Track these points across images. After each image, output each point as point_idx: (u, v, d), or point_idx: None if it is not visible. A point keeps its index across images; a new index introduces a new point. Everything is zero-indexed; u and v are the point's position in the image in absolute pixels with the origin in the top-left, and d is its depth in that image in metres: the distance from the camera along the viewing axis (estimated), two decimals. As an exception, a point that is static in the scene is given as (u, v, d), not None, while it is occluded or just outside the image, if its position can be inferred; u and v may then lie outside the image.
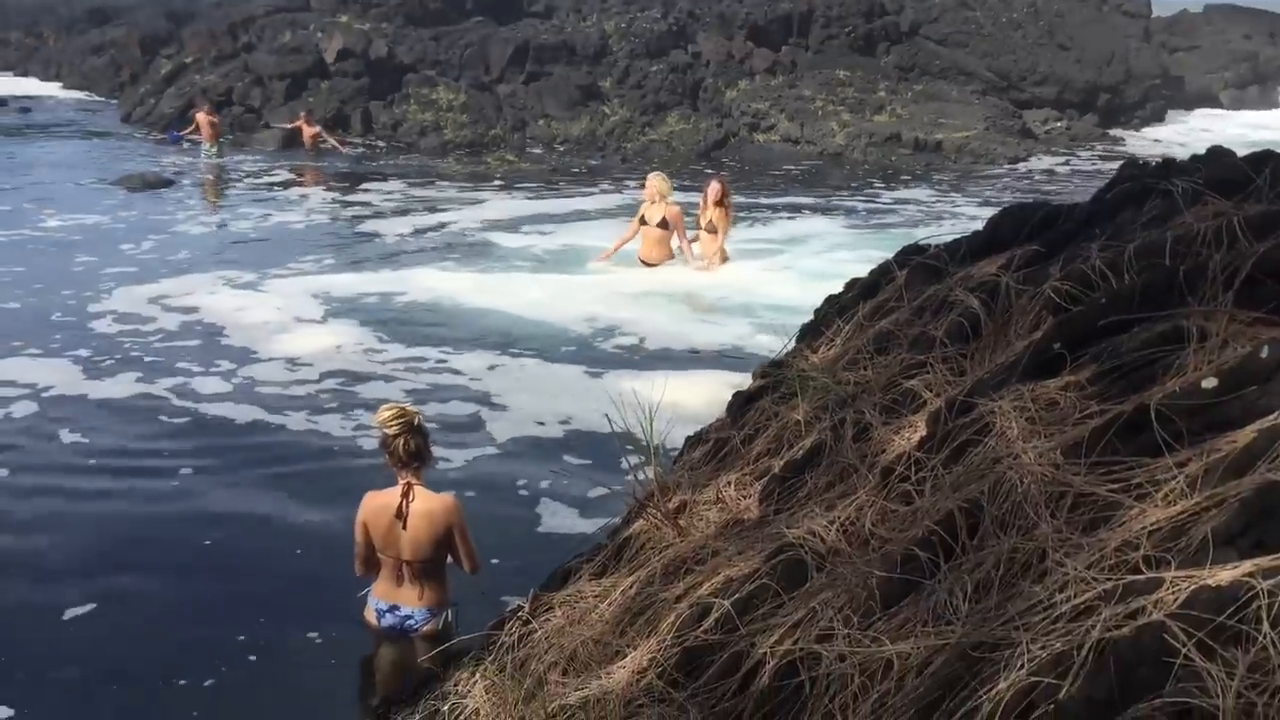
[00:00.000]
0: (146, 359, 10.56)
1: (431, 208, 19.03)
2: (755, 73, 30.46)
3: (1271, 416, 2.37)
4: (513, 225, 17.49)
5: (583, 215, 18.67)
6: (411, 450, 5.10)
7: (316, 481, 7.92)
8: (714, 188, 13.69)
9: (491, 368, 10.44)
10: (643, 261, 13.81)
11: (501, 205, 19.37)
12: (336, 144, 25.80)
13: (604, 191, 21.40)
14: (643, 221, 13.79)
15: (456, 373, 10.29)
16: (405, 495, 5.11)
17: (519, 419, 9.14)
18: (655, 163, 24.28)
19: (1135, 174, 4.42)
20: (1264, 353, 2.51)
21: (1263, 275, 2.88)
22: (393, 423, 5.08)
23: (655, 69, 29.56)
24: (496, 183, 22.02)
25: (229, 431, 8.88)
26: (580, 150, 27.05)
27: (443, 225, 17.52)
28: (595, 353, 11.04)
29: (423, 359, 10.69)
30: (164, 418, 9.11)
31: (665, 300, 12.71)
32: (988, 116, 29.03)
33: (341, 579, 5.59)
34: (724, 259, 13.74)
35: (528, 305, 12.48)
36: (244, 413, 9.23)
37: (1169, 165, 4.31)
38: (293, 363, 10.45)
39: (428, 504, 5.12)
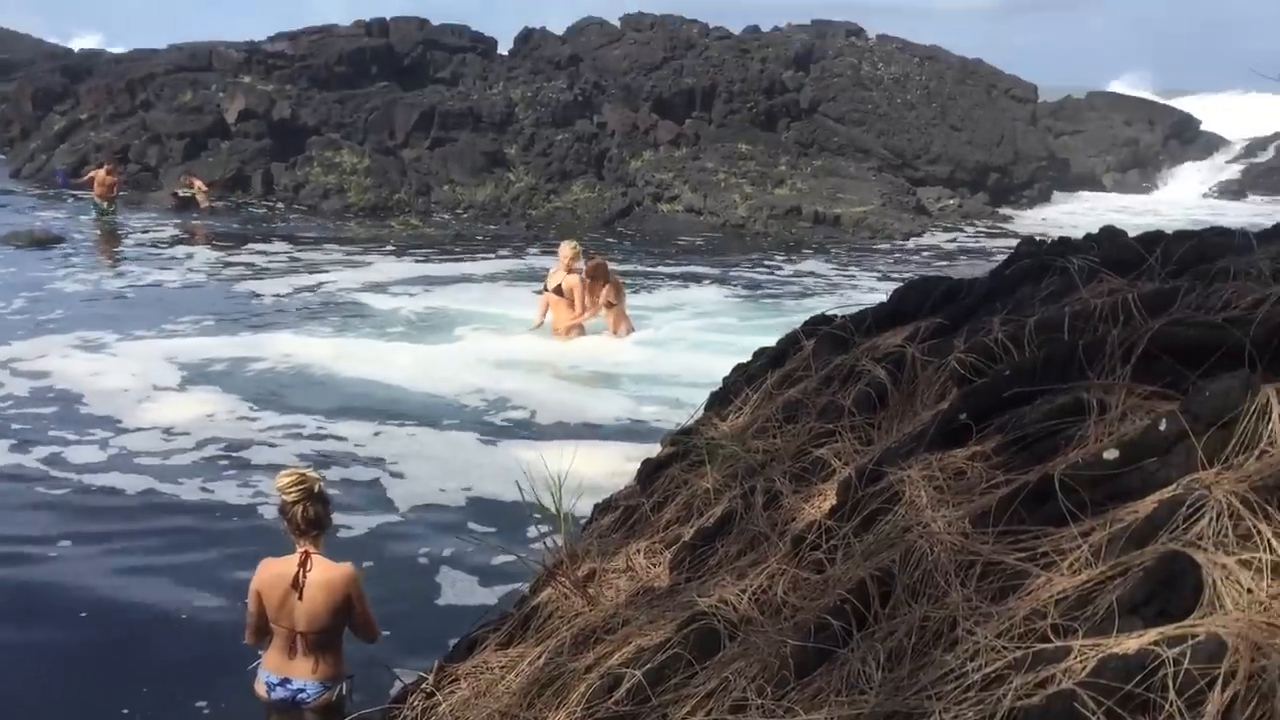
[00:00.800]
0: (13, 426, 10.12)
1: (315, 270, 18.84)
2: (659, 144, 30.93)
3: (1171, 487, 2.44)
4: (395, 289, 17.37)
5: (470, 279, 18.68)
6: (310, 518, 4.95)
7: (208, 549, 7.68)
8: (590, 265, 13.82)
9: (377, 434, 10.24)
10: (555, 329, 13.84)
11: (389, 269, 19.27)
12: (201, 191, 25.30)
13: (501, 257, 21.45)
14: (558, 291, 13.82)
15: (342, 440, 10.08)
16: (302, 564, 4.96)
17: (419, 487, 9.00)
18: (555, 230, 24.42)
19: (1033, 251, 4.56)
20: (1162, 425, 2.58)
21: (1158, 351, 2.98)
22: (292, 489, 4.94)
23: (561, 137, 29.83)
24: (390, 247, 21.91)
25: (115, 502, 8.55)
26: (485, 216, 27.08)
27: (322, 287, 17.35)
28: (490, 421, 10.92)
29: (300, 426, 10.42)
30: (42, 490, 8.74)
31: (565, 369, 12.70)
32: (884, 193, 29.83)
33: (232, 649, 5.39)
34: (629, 329, 13.82)
35: (403, 372, 12.29)
36: (130, 483, 8.90)
37: (1065, 243, 4.47)
38: (167, 431, 10.09)
39: (326, 573, 4.98)
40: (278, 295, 16.57)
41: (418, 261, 20.37)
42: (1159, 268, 3.68)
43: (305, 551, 4.97)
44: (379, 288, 17.37)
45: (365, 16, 33.91)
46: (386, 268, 19.34)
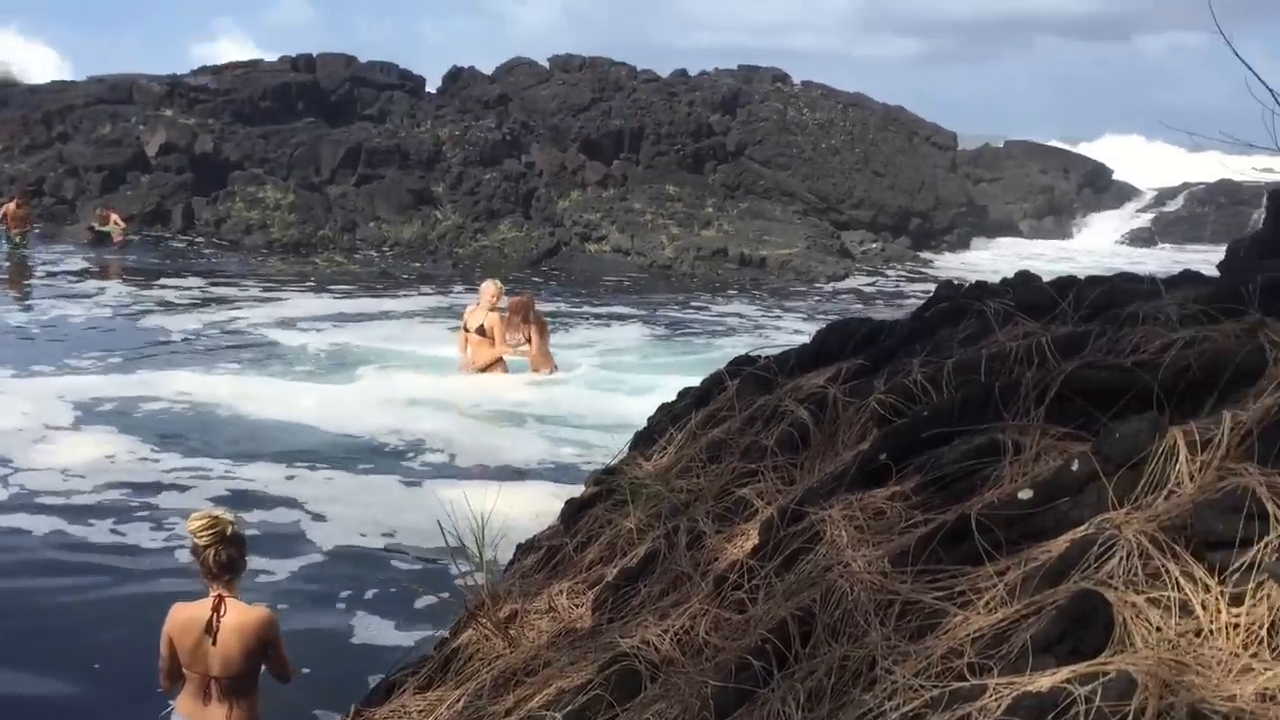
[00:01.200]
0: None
1: (228, 306, 18.56)
2: (588, 184, 31.07)
3: (1083, 527, 2.49)
4: (310, 326, 17.13)
5: (390, 317, 18.53)
6: (223, 561, 4.83)
7: (120, 591, 7.46)
8: (515, 302, 13.82)
9: (290, 477, 9.97)
10: (475, 368, 13.73)
11: (306, 305, 19.02)
12: (117, 226, 24.79)
13: (424, 295, 21.35)
14: (480, 331, 13.73)
15: (252, 481, 9.81)
16: (216, 609, 4.83)
17: (339, 529, 8.83)
18: (480, 269, 24.37)
19: (951, 294, 4.65)
20: (1074, 466, 2.64)
21: (1071, 393, 3.04)
22: (203, 532, 4.81)
23: (489, 176, 29.82)
24: (310, 283, 21.67)
25: (22, 543, 8.28)
26: (411, 254, 26.93)
27: (233, 324, 17.07)
28: (409, 462, 10.72)
29: (207, 468, 10.10)
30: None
31: (486, 408, 12.56)
32: (809, 236, 30.25)
33: (145, 695, 5.23)
34: (550, 366, 13.78)
35: (315, 412, 12.02)
36: (36, 523, 8.60)
37: (982, 287, 4.56)
38: (65, 472, 9.69)
39: (240, 617, 4.85)
40: (186, 331, 16.24)
41: (337, 298, 20.15)
42: (1072, 312, 3.78)
43: (219, 595, 4.85)
44: (293, 324, 17.10)
45: (293, 52, 33.70)
46: (303, 304, 19.08)
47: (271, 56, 33.92)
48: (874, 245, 32.40)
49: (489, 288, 13.80)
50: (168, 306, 18.22)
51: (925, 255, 33.14)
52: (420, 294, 21.39)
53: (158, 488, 9.51)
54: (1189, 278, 4.06)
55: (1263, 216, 5.46)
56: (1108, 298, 3.78)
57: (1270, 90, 4.95)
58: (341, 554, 8.38)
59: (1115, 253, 36.87)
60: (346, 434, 11.40)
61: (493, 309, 13.63)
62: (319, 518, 9.04)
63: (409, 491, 9.74)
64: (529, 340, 13.73)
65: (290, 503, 9.32)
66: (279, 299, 19.45)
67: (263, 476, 9.92)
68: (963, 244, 35.95)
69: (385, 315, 18.56)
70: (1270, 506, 2.19)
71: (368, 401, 12.53)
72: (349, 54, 34.03)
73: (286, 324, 17.04)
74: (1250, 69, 4.93)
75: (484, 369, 13.60)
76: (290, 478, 9.97)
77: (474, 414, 12.36)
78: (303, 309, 18.46)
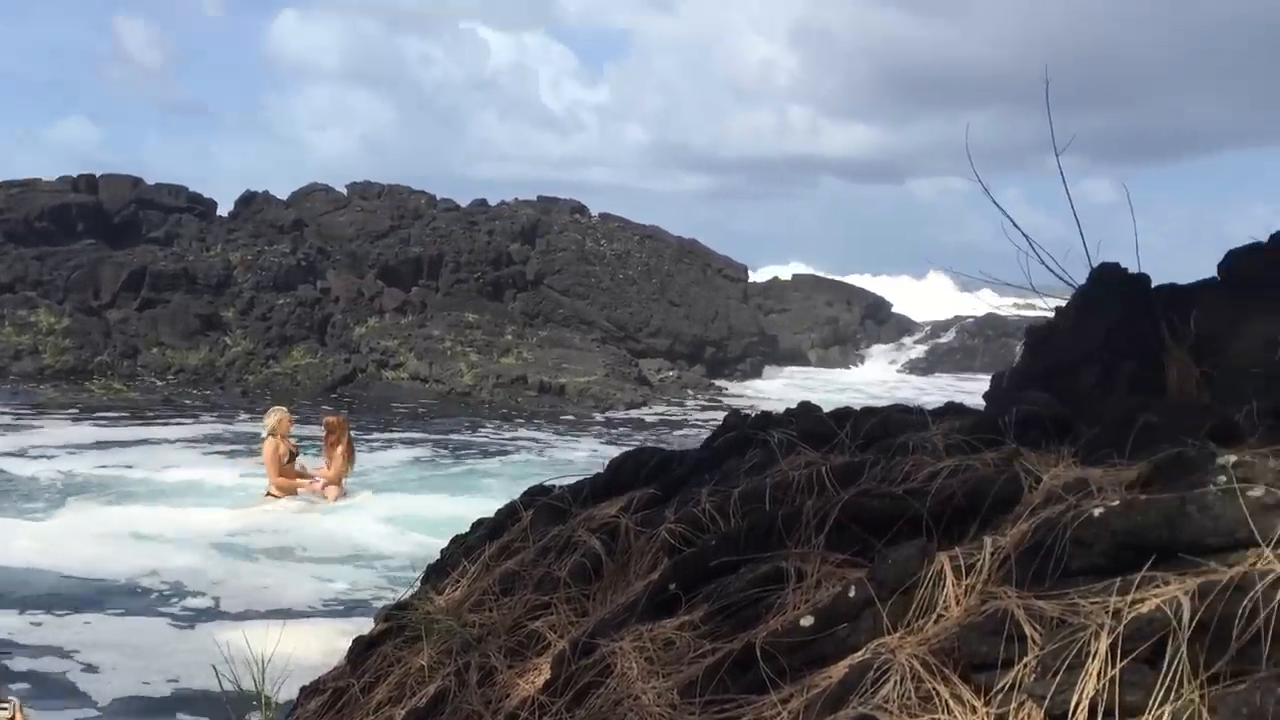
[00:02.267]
0: None
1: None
2: (385, 311, 30.77)
3: (860, 652, 2.57)
4: (56, 454, 16.11)
5: (158, 444, 17.75)
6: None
7: None
8: (325, 422, 13.67)
9: (37, 625, 9.14)
10: (264, 496, 13.28)
11: (60, 433, 17.96)
12: None
13: (202, 422, 20.54)
14: (273, 458, 13.33)
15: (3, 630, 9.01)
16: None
17: (115, 679, 8.19)
18: (271, 397, 23.63)
19: (738, 424, 4.80)
20: (851, 593, 2.73)
21: (848, 520, 3.17)
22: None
23: (282, 302, 29.17)
24: (73, 411, 20.48)
25: None
26: (197, 381, 25.90)
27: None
28: (183, 601, 10.04)
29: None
30: None
31: (269, 540, 12.01)
32: (607, 363, 30.70)
33: None
34: (338, 495, 13.41)
35: (70, 550, 11.10)
36: None
37: (767, 417, 4.72)
38: None
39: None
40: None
41: (101, 426, 19.05)
42: (849, 441, 3.95)
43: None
44: (36, 453, 15.98)
45: (75, 173, 32.39)
46: (59, 432, 17.94)
47: (51, 175, 32.53)
48: (671, 373, 33.13)
49: (271, 416, 13.47)
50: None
51: (720, 383, 34.08)
52: (199, 422, 20.55)
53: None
54: (954, 409, 4.32)
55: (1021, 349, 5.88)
56: (882, 427, 3.98)
57: (1025, 235, 5.39)
58: (123, 705, 7.76)
59: (895, 381, 38.86)
60: (109, 574, 10.57)
61: (277, 436, 13.26)
62: (94, 669, 8.36)
63: (185, 634, 9.16)
64: (331, 463, 13.41)
65: (57, 651, 8.61)
66: (31, 427, 18.20)
67: (11, 625, 9.10)
68: (755, 372, 37.17)
69: (152, 443, 17.67)
70: (1027, 629, 2.32)
71: (138, 536, 11.75)
72: (135, 175, 33.04)
73: (24, 453, 15.87)
74: (1006, 215, 5.36)
75: (270, 498, 13.16)
76: (37, 625, 9.15)
77: (256, 546, 11.80)
78: (56, 438, 17.31)
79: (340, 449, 13.53)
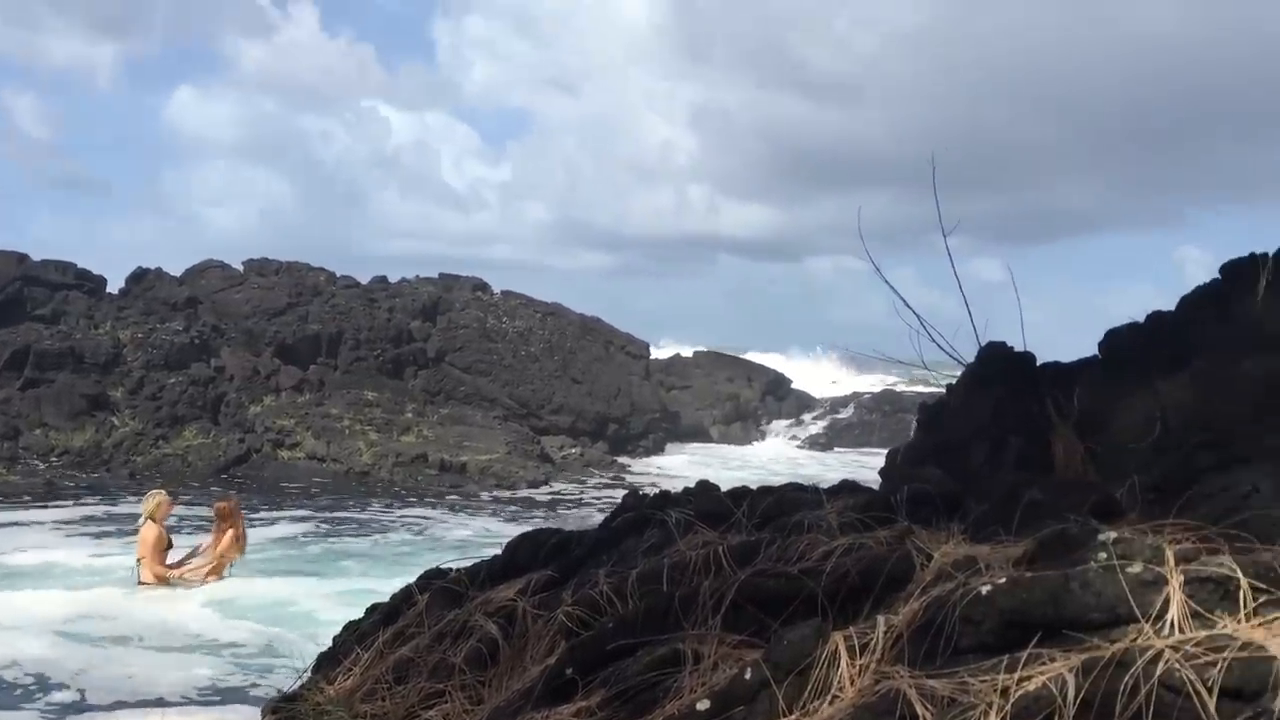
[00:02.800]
0: None
1: None
2: (282, 390, 30.18)
3: (757, 735, 2.56)
4: None
5: (19, 526, 16.96)
6: None
7: None
8: (216, 507, 13.34)
9: None
10: (142, 582, 12.82)
11: None
12: None
13: (82, 504, 19.81)
14: (153, 543, 12.89)
15: None
16: None
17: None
18: (160, 478, 22.93)
19: (637, 504, 4.79)
20: (747, 675, 2.72)
21: (744, 600, 3.17)
22: None
23: (174, 381, 28.42)
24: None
25: None
26: (83, 463, 25.00)
27: None
28: (49, 696, 9.35)
29: None
30: None
31: (147, 628, 11.42)
32: (509, 441, 30.44)
33: None
34: (217, 577, 13.03)
35: None
36: None
37: (665, 497, 4.73)
38: None
39: None
40: None
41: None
42: (746, 520, 3.97)
43: None
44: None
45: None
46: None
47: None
48: (573, 450, 32.97)
49: (150, 500, 13.14)
50: None
51: (622, 460, 34.00)
52: (79, 504, 19.78)
53: None
54: (848, 486, 4.38)
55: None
56: (778, 506, 4.01)
57: (916, 314, 5.52)
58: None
59: (795, 457, 39.23)
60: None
61: (153, 520, 12.89)
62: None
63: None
64: (216, 548, 13.05)
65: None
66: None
67: None
68: (658, 448, 37.19)
69: (22, 525, 16.87)
70: (919, 708, 2.33)
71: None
72: (20, 252, 32.11)
73: None
74: (899, 295, 5.48)
75: (148, 582, 12.76)
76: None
77: (120, 632, 11.24)
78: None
79: (230, 535, 13.15)
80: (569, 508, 24.61)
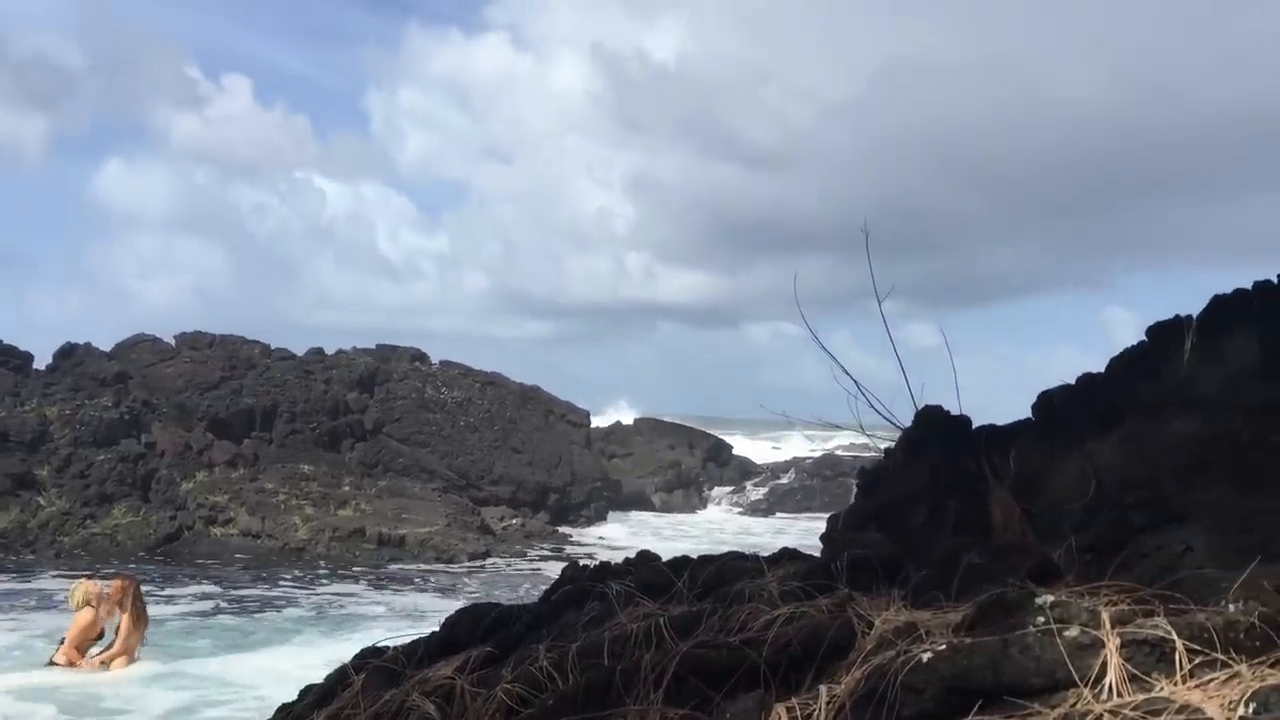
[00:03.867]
0: None
1: None
2: (215, 465, 29.62)
3: (701, 813, 2.51)
4: None
5: None
6: None
7: None
8: (116, 585, 13.00)
9: None
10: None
11: None
12: None
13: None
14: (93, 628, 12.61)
15: None
16: None
17: None
18: (88, 558, 22.33)
19: (577, 577, 4.73)
20: (690, 749, 2.68)
21: (687, 673, 3.13)
22: None
23: (102, 458, 27.76)
24: None
25: None
26: (7, 545, 24.25)
27: None
28: None
29: None
30: None
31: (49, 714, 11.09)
32: (449, 513, 30.08)
33: None
34: (126, 663, 12.66)
35: None
36: None
37: (605, 568, 4.68)
38: None
39: None
40: None
41: None
42: (687, 591, 3.93)
43: None
44: None
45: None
46: None
47: None
48: (514, 521, 32.66)
49: (78, 591, 12.85)
50: None
51: (564, 529, 33.73)
52: None
53: None
54: (789, 554, 4.37)
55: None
56: (718, 576, 3.98)
57: (854, 379, 5.56)
58: None
59: (738, 523, 39.21)
60: None
61: (90, 605, 12.58)
62: None
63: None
64: (121, 628, 12.72)
65: None
66: None
67: None
68: (599, 517, 36.98)
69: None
70: (863, 779, 2.30)
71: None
72: (-55, 327, 31.41)
73: None
74: (836, 360, 5.53)
75: (53, 663, 12.44)
76: None
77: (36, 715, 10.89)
78: None
79: (127, 615, 12.80)
80: (509, 580, 24.30)
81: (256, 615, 17.98)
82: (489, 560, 27.15)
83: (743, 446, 49.05)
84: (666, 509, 41.47)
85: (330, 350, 37.85)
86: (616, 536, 32.62)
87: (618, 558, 5.31)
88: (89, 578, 13.40)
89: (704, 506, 43.17)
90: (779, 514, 42.17)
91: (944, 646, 2.47)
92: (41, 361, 32.49)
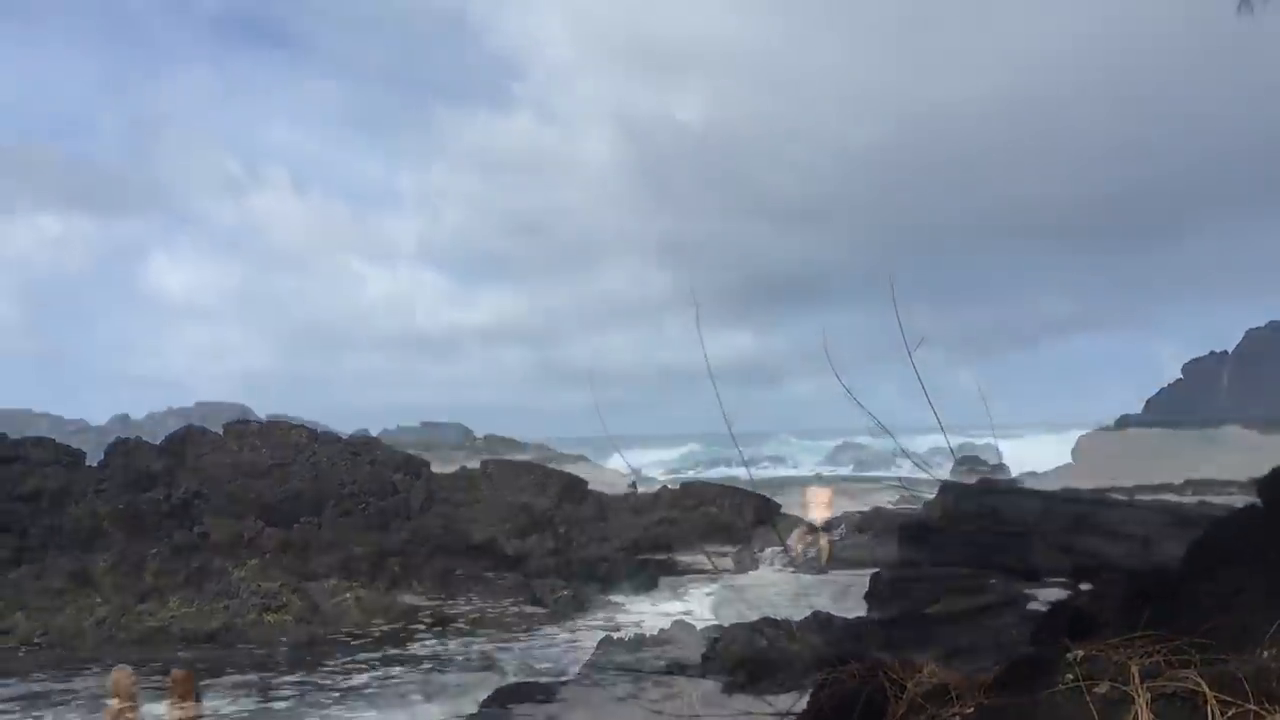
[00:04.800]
0: None
1: None
2: (266, 551, 29.79)
3: None
4: None
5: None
6: None
7: None
8: (176, 676, 12.94)
9: None
10: None
11: None
12: None
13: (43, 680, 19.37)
14: None
15: None
16: None
17: None
18: (140, 652, 22.39)
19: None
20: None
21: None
22: None
23: (155, 551, 28.00)
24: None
25: None
26: (62, 643, 24.41)
27: None
28: None
29: None
30: None
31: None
32: (502, 587, 29.96)
33: None
34: None
35: None
36: None
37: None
38: None
39: None
40: None
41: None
42: (723, 661, 3.87)
43: None
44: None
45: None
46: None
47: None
48: (564, 593, 32.40)
49: (117, 678, 12.80)
50: None
51: (616, 599, 33.46)
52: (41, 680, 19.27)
53: None
54: (821, 619, 4.30)
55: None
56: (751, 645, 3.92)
57: (891, 435, 5.52)
58: None
59: (790, 583, 38.72)
60: None
61: (118, 698, 12.54)
62: None
63: None
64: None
65: None
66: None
67: None
68: (650, 586, 36.62)
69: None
70: None
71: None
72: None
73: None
74: (874, 417, 5.50)
75: None
76: None
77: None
78: None
79: (179, 713, 12.74)
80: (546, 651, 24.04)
81: (313, 705, 17.92)
82: (540, 630, 26.90)
83: (791, 504, 48.57)
84: (719, 572, 41.00)
85: (374, 431, 38.18)
86: (670, 609, 32.27)
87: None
88: (128, 668, 13.33)
89: (755, 567, 42.70)
90: (831, 571, 41.66)
91: (972, 709, 2.41)
92: (94, 458, 33.00)
